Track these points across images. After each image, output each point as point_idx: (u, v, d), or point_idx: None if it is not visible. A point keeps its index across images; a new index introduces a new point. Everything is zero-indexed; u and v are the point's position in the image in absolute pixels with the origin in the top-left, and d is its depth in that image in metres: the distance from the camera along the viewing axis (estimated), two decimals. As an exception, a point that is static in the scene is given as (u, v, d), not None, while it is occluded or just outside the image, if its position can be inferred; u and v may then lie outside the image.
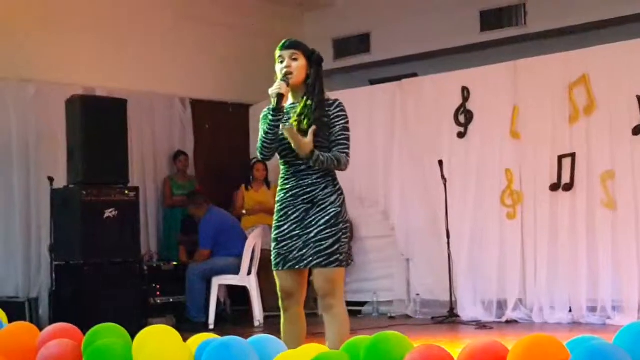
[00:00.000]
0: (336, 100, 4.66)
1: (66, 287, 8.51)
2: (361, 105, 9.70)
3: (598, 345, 3.15)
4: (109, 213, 8.56)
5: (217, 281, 9.37)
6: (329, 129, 4.57)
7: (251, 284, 9.40)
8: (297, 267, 4.59)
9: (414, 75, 10.71)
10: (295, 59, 4.60)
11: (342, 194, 4.65)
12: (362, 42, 11.92)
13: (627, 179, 8.38)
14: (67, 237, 8.62)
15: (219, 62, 11.37)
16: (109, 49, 10.20)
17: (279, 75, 4.59)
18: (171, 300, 9.61)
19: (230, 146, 11.36)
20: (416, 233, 9.85)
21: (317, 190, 4.57)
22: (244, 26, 11.55)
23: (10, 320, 5.24)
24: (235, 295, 10.26)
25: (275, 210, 4.69)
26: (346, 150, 4.59)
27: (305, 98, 4.61)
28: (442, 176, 9.23)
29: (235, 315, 10.18)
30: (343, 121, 4.61)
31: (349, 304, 9.74)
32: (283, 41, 4.66)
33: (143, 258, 9.60)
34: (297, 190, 4.60)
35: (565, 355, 3.17)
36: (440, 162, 9.28)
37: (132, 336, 4.22)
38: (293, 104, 4.68)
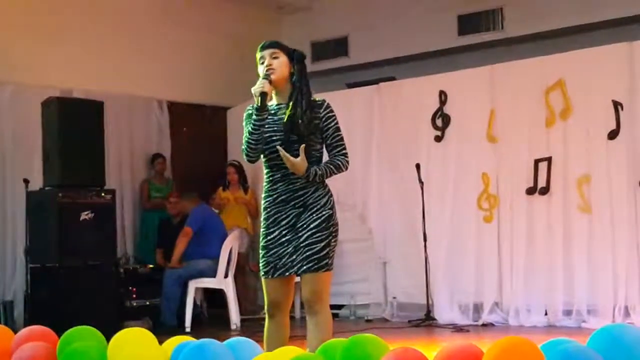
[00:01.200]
0: (324, 100, 4.61)
1: (41, 289, 8.45)
2: (338, 109, 9.47)
3: (572, 348, 3.17)
4: (85, 215, 8.51)
5: (194, 284, 9.34)
6: (321, 131, 4.53)
7: (228, 287, 9.38)
8: (287, 273, 4.51)
9: (392, 78, 10.73)
10: (276, 57, 4.53)
11: (331, 195, 4.60)
12: (340, 46, 11.95)
13: (603, 183, 8.43)
14: (42, 239, 8.56)
15: (196, 65, 11.35)
16: (86, 51, 10.16)
17: (261, 75, 4.52)
18: (147, 303, 9.56)
19: (208, 149, 11.32)
20: (393, 236, 9.87)
21: (308, 194, 4.50)
22: (222, 29, 11.53)
23: (-16, 323, 5.22)
24: (211, 298, 10.24)
25: (263, 217, 4.58)
26: (344, 151, 4.57)
27: (294, 98, 4.53)
28: (419, 180, 9.25)
29: (211, 318, 10.15)
30: (335, 121, 4.58)
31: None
32: (263, 42, 4.62)
33: (119, 261, 9.57)
34: (286, 195, 4.51)
35: (539, 358, 3.18)
36: (418, 166, 9.30)
37: (108, 339, 4.20)
38: (279, 104, 4.60)
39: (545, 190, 8.77)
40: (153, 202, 10.63)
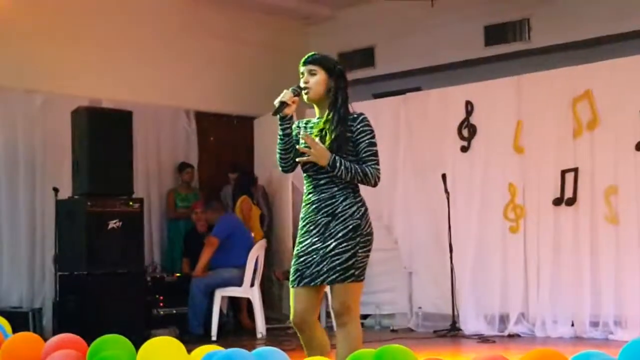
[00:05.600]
0: (361, 114, 4.58)
1: (70, 297, 8.52)
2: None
3: (601, 361, 3.17)
4: (113, 224, 8.57)
5: (220, 293, 9.37)
6: (353, 144, 4.50)
7: (254, 295, 9.41)
8: (312, 283, 4.48)
9: (418, 89, 10.74)
10: (313, 74, 4.57)
11: (363, 205, 4.54)
12: (366, 56, 11.94)
13: (630, 194, 8.39)
14: (71, 247, 8.63)
15: (223, 75, 11.39)
16: (115, 61, 10.23)
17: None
18: (174, 311, 9.59)
19: (235, 158, 11.36)
20: (419, 247, 9.87)
21: (337, 203, 4.49)
22: (249, 39, 11.58)
23: (14, 331, 5.27)
24: (237, 307, 10.27)
25: (300, 225, 4.61)
26: (376, 166, 4.50)
27: (327, 112, 4.56)
28: (446, 190, 9.25)
29: (237, 326, 10.18)
30: (369, 136, 4.51)
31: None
32: (305, 56, 4.65)
33: (147, 269, 9.61)
34: (318, 204, 4.53)
35: (569, 370, 3.18)
36: (444, 176, 9.30)
37: (136, 347, 4.23)
38: (319, 118, 4.64)
39: (572, 201, 8.74)
40: (178, 212, 10.67)
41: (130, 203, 8.76)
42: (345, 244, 4.43)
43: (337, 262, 4.41)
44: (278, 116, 4.54)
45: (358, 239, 4.46)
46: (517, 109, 9.20)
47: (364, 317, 10.10)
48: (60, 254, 8.79)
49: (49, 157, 9.63)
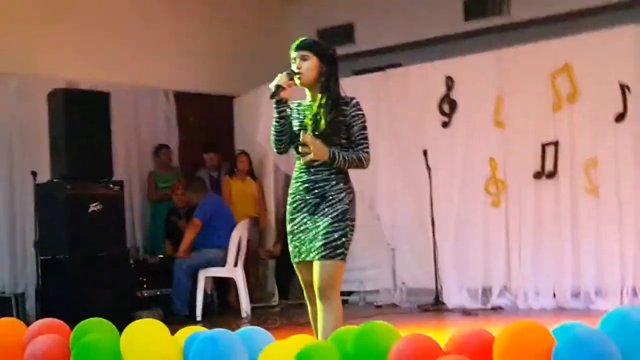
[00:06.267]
0: (352, 98, 4.74)
1: (52, 282, 8.48)
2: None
3: (583, 332, 3.18)
4: (94, 207, 8.53)
5: (204, 273, 9.37)
6: (346, 128, 4.66)
7: (238, 275, 9.41)
8: (307, 259, 4.66)
9: (398, 65, 10.71)
10: (305, 59, 4.68)
11: (351, 192, 4.72)
12: (346, 32, 11.90)
13: (610, 167, 8.43)
14: (52, 231, 8.58)
15: (202, 55, 11.33)
16: (92, 42, 10.16)
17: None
18: (158, 293, 9.59)
19: (215, 139, 11.31)
20: (401, 222, 9.88)
21: (328, 186, 4.65)
22: (227, 18, 11.51)
23: (-3, 316, 5.24)
24: (221, 287, 10.27)
25: (288, 202, 4.78)
26: (367, 150, 4.69)
27: (320, 97, 4.68)
28: (427, 166, 9.26)
29: (221, 307, 10.18)
30: (361, 120, 4.69)
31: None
32: (295, 42, 4.73)
33: (129, 251, 9.58)
34: (309, 184, 4.68)
35: (550, 342, 3.20)
36: (425, 152, 9.31)
37: (120, 329, 4.22)
38: (311, 101, 4.76)
39: (552, 174, 8.77)
40: (160, 193, 10.62)
41: (111, 185, 8.72)
42: (335, 225, 4.61)
43: (327, 240, 4.58)
44: (274, 100, 4.68)
45: (347, 222, 4.64)
46: (497, 84, 9.20)
47: (348, 293, 10.13)
48: (41, 239, 8.74)
49: (26, 140, 9.55)
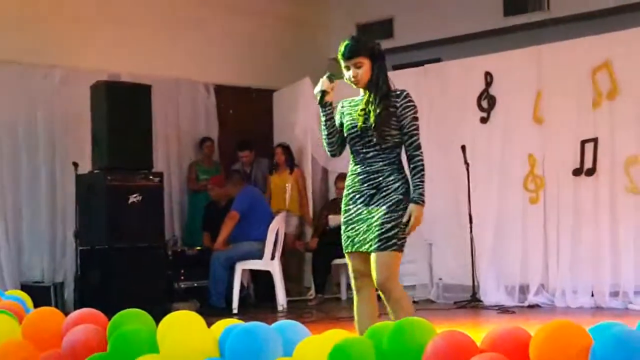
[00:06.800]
0: (403, 91, 4.78)
1: (91, 271, 8.58)
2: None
3: (621, 332, 3.16)
4: (134, 198, 8.61)
5: (241, 266, 9.41)
6: (397, 119, 4.70)
7: (274, 268, 9.45)
8: (361, 249, 4.71)
9: (438, 60, 10.69)
10: (359, 66, 4.72)
11: (406, 182, 4.75)
12: (385, 27, 11.87)
13: (651, 164, 8.36)
14: (92, 222, 8.69)
15: (242, 48, 11.37)
16: (133, 35, 10.25)
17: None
18: (195, 285, 9.66)
19: (255, 132, 11.36)
20: (439, 218, 9.83)
21: (382, 177, 4.71)
22: (267, 12, 11.54)
23: (35, 305, 5.30)
24: (258, 280, 10.31)
25: (344, 194, 4.85)
26: (419, 142, 4.76)
27: (368, 93, 4.74)
28: (465, 161, 9.24)
29: (258, 300, 10.23)
30: (412, 111, 4.74)
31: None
32: (342, 50, 4.75)
33: (167, 243, 9.66)
34: (364, 175, 4.75)
35: (588, 342, 3.18)
36: (463, 147, 9.28)
37: (157, 320, 4.25)
38: (363, 96, 4.83)
39: (591, 172, 8.71)
40: (200, 184, 10.69)
41: (150, 177, 8.80)
42: (388, 215, 4.65)
43: (381, 231, 4.63)
44: (317, 104, 4.81)
45: (400, 212, 4.67)
46: (536, 80, 9.15)
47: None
48: (80, 229, 8.84)
49: (69, 132, 9.67)
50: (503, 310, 8.62)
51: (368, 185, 4.72)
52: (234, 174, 10.29)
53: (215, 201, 10.33)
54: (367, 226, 4.68)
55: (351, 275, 4.85)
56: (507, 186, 9.29)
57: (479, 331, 5.99)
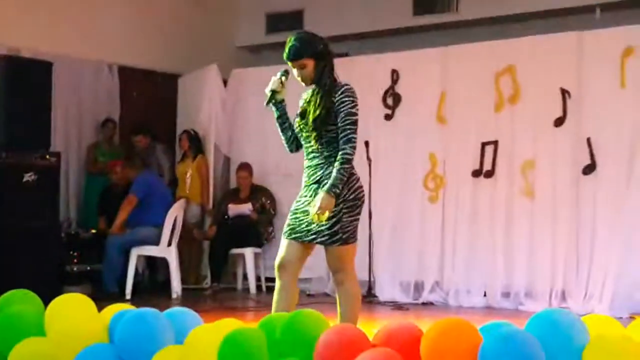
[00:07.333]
0: (343, 85, 4.82)
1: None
2: (290, 82, 9.63)
3: (509, 332, 3.21)
4: (28, 177, 8.37)
5: (137, 252, 9.27)
6: (336, 114, 4.72)
7: (171, 255, 9.34)
8: (300, 239, 4.81)
9: (345, 55, 10.71)
10: (303, 67, 4.79)
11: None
12: (295, 19, 11.85)
13: (547, 169, 8.55)
14: (-17, 199, 8.41)
15: (149, 31, 11.20)
16: (37, 9, 9.97)
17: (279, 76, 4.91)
18: (89, 268, 9.49)
19: (158, 116, 11.19)
20: (338, 212, 9.88)
21: (321, 171, 4.78)
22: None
23: None
24: (153, 267, 10.19)
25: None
26: (350, 135, 4.72)
27: (313, 89, 4.82)
28: (368, 157, 9.28)
29: (152, 286, 10.10)
30: (348, 106, 4.74)
31: (267, 279, 9.77)
32: (286, 50, 4.79)
33: (62, 224, 9.44)
34: (308, 170, 4.86)
35: (477, 340, 3.22)
36: (367, 143, 9.32)
37: (47, 303, 4.16)
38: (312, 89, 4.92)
39: (490, 174, 8.86)
40: (98, 166, 10.47)
41: (47, 156, 8.56)
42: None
43: (324, 227, 4.71)
44: (265, 103, 4.92)
45: (341, 205, 4.70)
46: (441, 80, 9.26)
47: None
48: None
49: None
50: (397, 306, 8.70)
51: (312, 180, 4.80)
52: (134, 158, 10.10)
53: (112, 185, 10.12)
54: (311, 219, 4.69)
55: (277, 260, 4.87)
56: (407, 184, 9.38)
57: (372, 326, 6.04)
